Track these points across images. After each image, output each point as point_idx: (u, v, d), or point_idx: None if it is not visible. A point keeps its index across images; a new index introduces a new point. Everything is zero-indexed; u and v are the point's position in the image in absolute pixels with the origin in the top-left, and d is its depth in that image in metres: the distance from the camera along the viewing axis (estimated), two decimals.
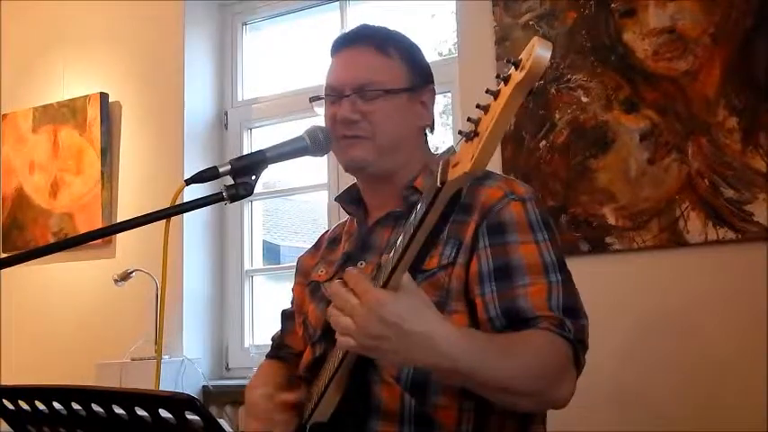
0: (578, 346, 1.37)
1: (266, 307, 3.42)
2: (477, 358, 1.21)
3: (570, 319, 1.38)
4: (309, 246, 1.86)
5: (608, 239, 2.43)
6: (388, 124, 1.56)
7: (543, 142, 2.55)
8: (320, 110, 1.63)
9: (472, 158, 1.03)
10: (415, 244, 1.15)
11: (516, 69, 0.98)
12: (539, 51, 0.95)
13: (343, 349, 1.27)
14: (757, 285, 2.21)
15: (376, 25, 1.68)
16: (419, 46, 1.68)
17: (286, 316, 1.82)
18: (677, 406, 2.27)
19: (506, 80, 0.99)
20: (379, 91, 1.55)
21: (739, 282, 2.26)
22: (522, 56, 0.97)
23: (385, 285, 1.17)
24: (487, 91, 1.02)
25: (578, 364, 1.38)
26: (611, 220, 2.43)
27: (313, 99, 1.64)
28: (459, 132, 1.07)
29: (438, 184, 1.09)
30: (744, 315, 2.24)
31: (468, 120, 1.05)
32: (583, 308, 1.44)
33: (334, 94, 1.59)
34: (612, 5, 2.49)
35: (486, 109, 1.03)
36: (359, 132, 1.55)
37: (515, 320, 1.37)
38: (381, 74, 1.57)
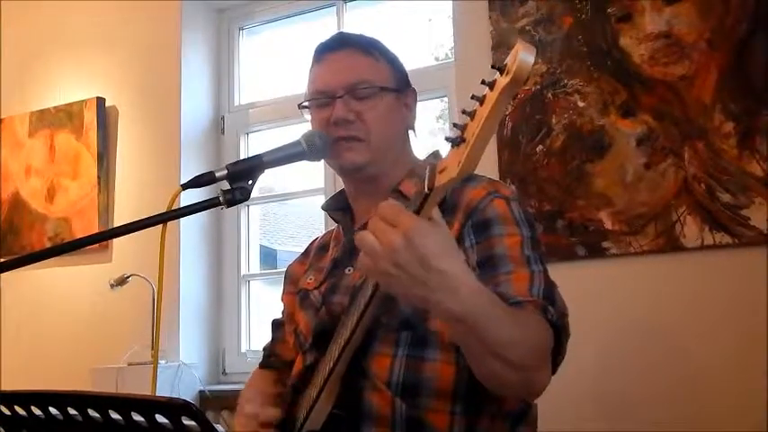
0: (561, 330, 1.36)
1: (263, 312, 3.42)
2: (485, 313, 1.17)
3: (552, 306, 1.37)
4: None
5: (605, 244, 2.43)
6: (382, 124, 1.57)
7: (540, 147, 2.56)
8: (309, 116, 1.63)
9: (459, 164, 1.03)
10: None
11: (501, 74, 0.98)
12: (522, 56, 0.95)
13: (362, 271, 1.20)
14: (754, 290, 2.21)
15: (353, 33, 1.70)
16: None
17: (276, 325, 1.82)
18: (674, 411, 2.27)
19: (492, 85, 0.99)
20: (372, 89, 1.56)
21: (736, 286, 2.26)
22: (508, 61, 0.97)
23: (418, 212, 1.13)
24: (473, 97, 1.03)
25: (560, 350, 1.37)
26: (608, 225, 2.43)
27: (302, 106, 1.63)
28: (446, 139, 1.07)
29: (426, 189, 1.10)
30: (741, 320, 2.24)
31: (454, 125, 1.06)
32: (563, 300, 1.43)
33: (324, 98, 1.58)
34: (609, 10, 2.50)
35: (472, 115, 1.03)
36: (355, 133, 1.55)
37: None
38: (371, 73, 1.58)
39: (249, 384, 1.74)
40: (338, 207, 1.71)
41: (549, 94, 2.56)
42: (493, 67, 0.99)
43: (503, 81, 0.97)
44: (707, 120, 2.32)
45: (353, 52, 1.60)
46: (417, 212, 1.12)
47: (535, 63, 2.62)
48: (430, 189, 1.09)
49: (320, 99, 1.59)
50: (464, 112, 1.04)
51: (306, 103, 1.62)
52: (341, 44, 1.62)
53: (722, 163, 2.29)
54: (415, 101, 1.67)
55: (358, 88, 1.56)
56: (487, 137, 1.01)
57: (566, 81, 2.54)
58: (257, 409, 1.54)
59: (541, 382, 1.33)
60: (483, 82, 1.01)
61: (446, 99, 3.02)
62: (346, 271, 1.59)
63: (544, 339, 1.32)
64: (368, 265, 1.15)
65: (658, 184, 2.37)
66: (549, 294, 1.40)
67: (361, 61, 1.59)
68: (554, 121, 2.54)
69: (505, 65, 0.97)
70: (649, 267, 2.38)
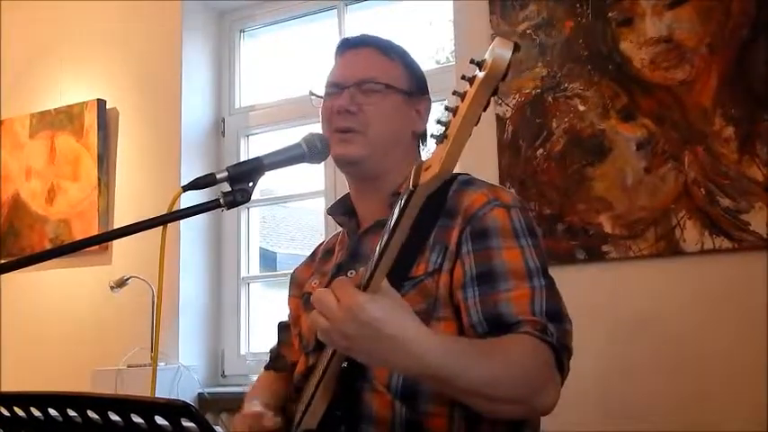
0: (561, 350, 1.36)
1: (263, 314, 3.42)
2: (452, 363, 1.20)
3: (553, 323, 1.37)
4: (306, 253, 1.87)
5: (604, 248, 2.43)
6: (383, 121, 1.58)
7: (540, 150, 2.56)
8: (319, 105, 1.66)
9: (440, 160, 1.04)
10: (392, 247, 1.15)
11: (480, 69, 1.00)
12: (498, 51, 0.98)
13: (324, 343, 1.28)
14: (754, 294, 2.21)
15: (376, 35, 1.71)
16: (417, 55, 1.71)
17: (281, 328, 1.83)
18: (674, 414, 2.27)
19: (471, 81, 1.02)
20: (379, 85, 1.58)
21: (736, 291, 2.26)
22: (486, 56, 1.00)
23: (365, 289, 1.18)
24: (454, 93, 1.05)
25: (562, 369, 1.36)
26: (608, 229, 2.43)
27: (313, 93, 1.66)
28: (432, 136, 1.08)
29: (411, 187, 1.10)
30: (740, 324, 2.24)
31: (438, 122, 1.07)
32: (566, 312, 1.42)
33: (335, 90, 1.61)
34: (610, 15, 2.50)
35: (454, 111, 1.04)
36: (354, 125, 1.57)
37: (497, 326, 1.36)
38: (382, 72, 1.60)
39: (255, 387, 1.74)
40: (343, 211, 1.71)
41: (550, 98, 2.56)
42: (471, 61, 1.01)
43: (480, 76, 1.00)
44: (707, 124, 2.32)
45: (370, 50, 1.64)
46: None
47: (535, 66, 2.64)
48: (414, 186, 1.10)
49: (330, 91, 1.62)
50: (447, 108, 1.06)
51: (318, 92, 1.65)
52: (361, 42, 1.66)
53: (722, 167, 2.29)
54: (429, 109, 1.69)
55: (366, 83, 1.58)
56: (467, 131, 1.03)
57: (566, 85, 2.54)
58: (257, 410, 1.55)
59: (544, 403, 1.33)
60: (463, 77, 1.02)
61: (446, 102, 3.02)
62: (349, 274, 1.59)
63: (535, 365, 1.32)
64: (325, 340, 1.22)
65: (658, 189, 2.37)
66: (553, 309, 1.39)
67: (376, 59, 1.62)
68: (554, 124, 2.54)
69: (484, 60, 0.99)
70: (649, 271, 2.38)
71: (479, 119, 1.03)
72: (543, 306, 1.38)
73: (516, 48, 0.99)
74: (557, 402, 1.34)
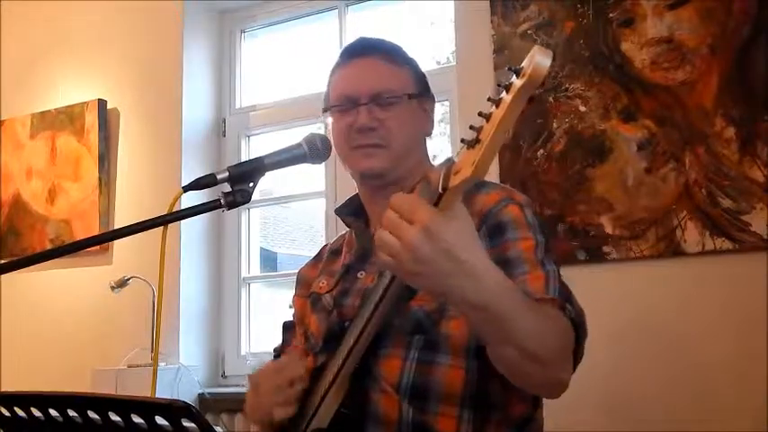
0: (580, 329, 1.36)
1: (263, 314, 3.42)
2: (510, 304, 1.18)
3: (569, 304, 1.39)
4: (307, 253, 1.87)
5: (605, 249, 2.43)
6: (403, 131, 1.58)
7: (541, 151, 2.56)
8: (329, 120, 1.64)
9: (473, 164, 1.04)
10: None
11: (517, 77, 1.00)
12: (538, 59, 0.97)
13: (384, 269, 1.19)
14: (755, 295, 2.21)
15: (376, 38, 1.71)
16: (417, 55, 1.71)
17: (286, 327, 1.83)
18: (675, 414, 2.27)
19: (507, 88, 1.01)
20: (396, 98, 1.58)
21: (737, 292, 2.26)
22: (524, 64, 0.99)
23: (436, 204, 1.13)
24: (489, 99, 1.04)
25: (579, 348, 1.37)
26: (609, 230, 2.43)
27: (326, 110, 1.64)
28: (462, 140, 1.08)
29: (440, 190, 1.10)
30: (741, 325, 2.24)
31: (471, 128, 1.07)
32: (578, 302, 1.44)
33: (348, 104, 1.59)
34: (611, 15, 2.50)
35: (487, 117, 1.04)
36: (377, 141, 1.57)
37: None
38: (394, 82, 1.60)
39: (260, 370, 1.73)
40: (351, 212, 1.71)
41: (551, 99, 2.56)
42: (509, 69, 1.01)
43: (518, 83, 0.99)
44: (708, 125, 2.32)
45: (378, 59, 1.62)
46: (435, 205, 1.12)
47: None
48: (444, 189, 1.10)
49: (344, 105, 1.60)
50: (480, 114, 1.05)
51: (330, 105, 1.63)
52: (366, 50, 1.64)
53: (723, 168, 2.29)
54: (433, 106, 1.69)
55: (382, 96, 1.57)
56: (502, 138, 1.03)
57: (567, 85, 2.54)
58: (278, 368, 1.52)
59: (564, 379, 1.32)
60: (499, 85, 1.02)
61: (447, 103, 3.02)
62: (358, 275, 1.60)
63: (566, 336, 1.33)
64: (391, 265, 1.14)
65: (659, 189, 2.37)
66: (565, 295, 1.41)
67: (386, 69, 1.61)
68: (555, 125, 2.54)
69: (521, 67, 0.99)
70: (650, 272, 2.38)
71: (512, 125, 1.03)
72: (557, 290, 1.40)
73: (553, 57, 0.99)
74: (568, 384, 1.33)
